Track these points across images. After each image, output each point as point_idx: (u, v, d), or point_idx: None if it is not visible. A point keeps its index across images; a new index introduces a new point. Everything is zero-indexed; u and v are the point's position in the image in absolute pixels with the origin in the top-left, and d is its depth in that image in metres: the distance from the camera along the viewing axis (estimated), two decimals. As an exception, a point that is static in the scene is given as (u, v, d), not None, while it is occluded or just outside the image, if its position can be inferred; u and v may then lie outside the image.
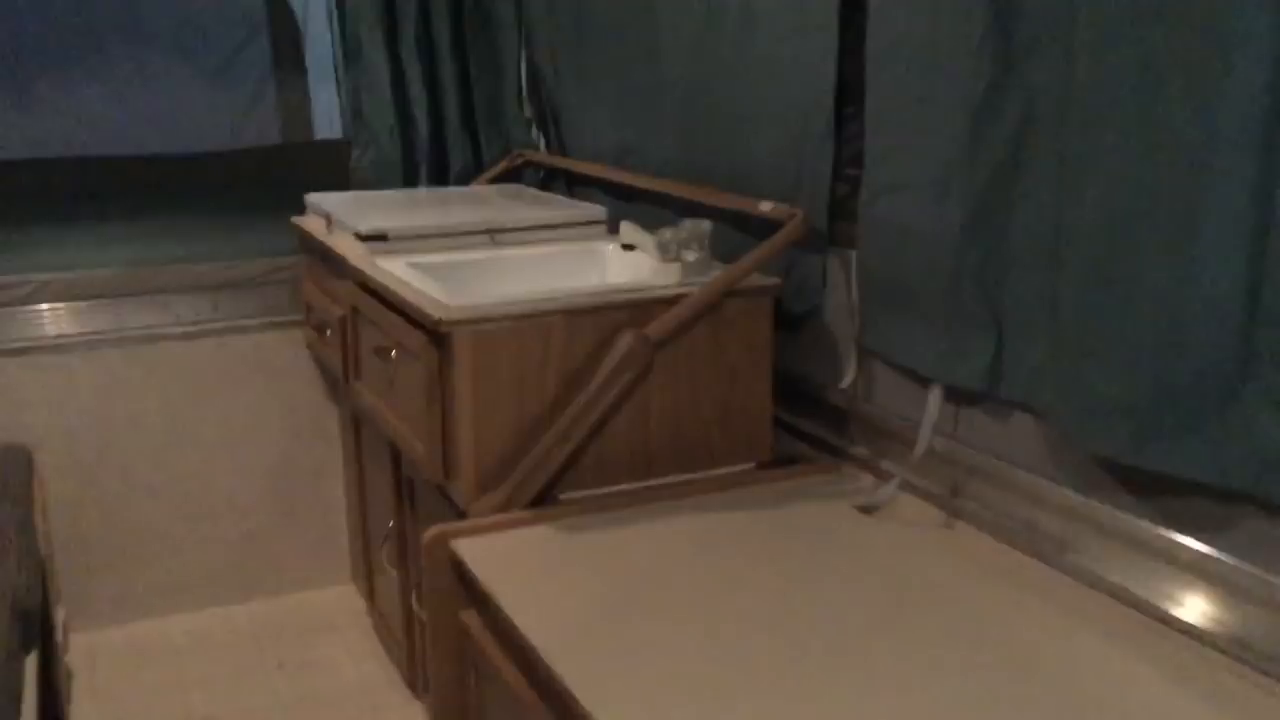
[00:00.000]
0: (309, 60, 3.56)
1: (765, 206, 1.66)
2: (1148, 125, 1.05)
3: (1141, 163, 1.06)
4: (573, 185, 2.42)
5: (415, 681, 2.07)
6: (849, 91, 1.54)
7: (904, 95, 1.39)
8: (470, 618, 1.39)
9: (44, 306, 2.28)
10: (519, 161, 2.56)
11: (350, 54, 2.50)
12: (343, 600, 2.53)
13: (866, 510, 1.46)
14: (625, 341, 1.49)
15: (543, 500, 1.51)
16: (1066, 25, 1.15)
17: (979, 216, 1.30)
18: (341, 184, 2.51)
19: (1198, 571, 1.10)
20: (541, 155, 2.55)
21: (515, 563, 1.34)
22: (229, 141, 3.41)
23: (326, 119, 3.59)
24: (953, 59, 1.30)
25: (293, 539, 2.54)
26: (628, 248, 1.86)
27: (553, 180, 2.52)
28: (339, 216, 2.06)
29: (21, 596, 1.63)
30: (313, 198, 2.29)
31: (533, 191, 2.41)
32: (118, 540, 2.40)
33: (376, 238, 1.90)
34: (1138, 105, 1.06)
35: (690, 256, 1.63)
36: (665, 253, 1.63)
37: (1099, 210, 1.11)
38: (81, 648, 2.33)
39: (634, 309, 1.54)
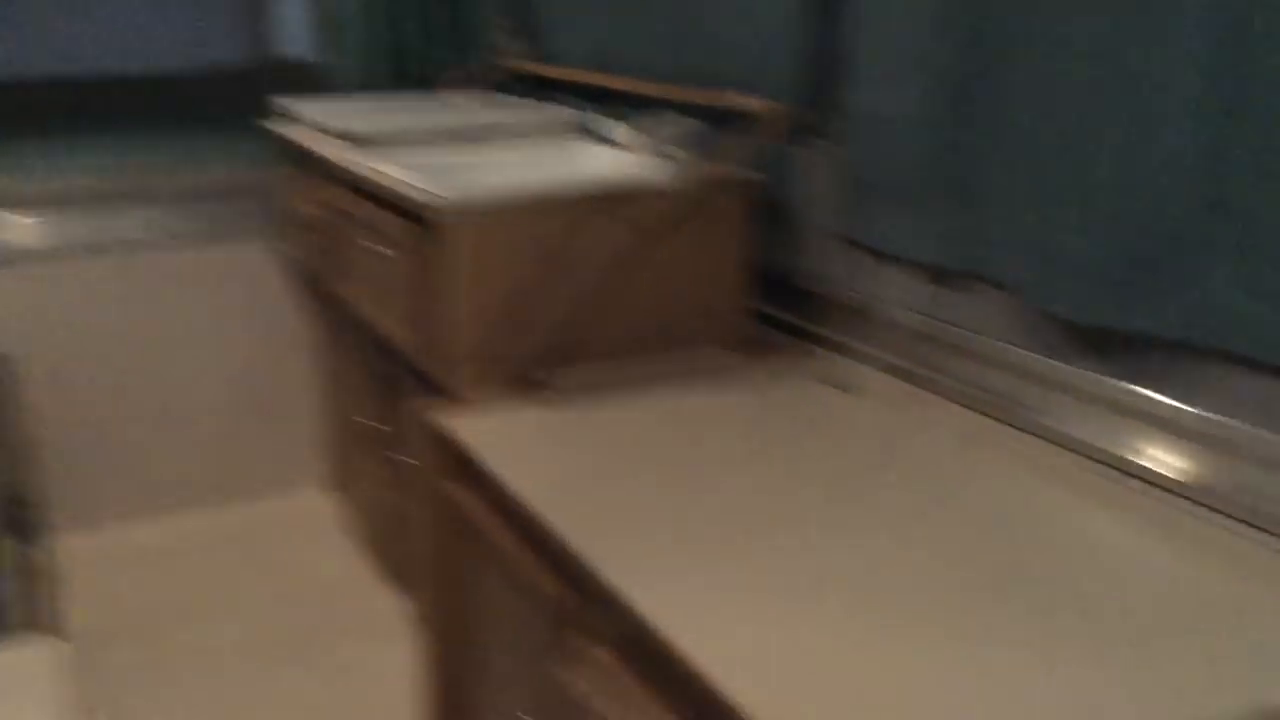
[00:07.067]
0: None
1: (744, 101, 1.71)
2: None
3: (1106, 28, 1.13)
4: (547, 91, 2.45)
5: (395, 575, 2.13)
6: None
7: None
8: (458, 491, 1.46)
9: (20, 214, 2.29)
10: (493, 69, 2.57)
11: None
12: (317, 503, 2.60)
13: (843, 389, 1.53)
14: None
15: (529, 381, 1.57)
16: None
17: (950, 99, 1.36)
18: (305, 94, 2.51)
19: (1164, 425, 1.18)
20: (517, 62, 2.57)
21: (505, 437, 1.39)
22: (190, 61, 3.38)
23: (291, 36, 3.56)
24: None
25: (268, 443, 2.59)
26: (609, 143, 1.90)
27: (526, 88, 2.54)
28: (321, 121, 2.08)
29: (4, 485, 1.68)
30: (288, 104, 2.30)
31: (504, 97, 2.43)
32: (96, 447, 2.43)
33: (362, 140, 1.92)
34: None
35: (670, 151, 1.68)
36: (646, 147, 1.68)
37: (1064, 79, 1.18)
38: (60, 551, 2.38)
39: (618, 200, 1.59)
